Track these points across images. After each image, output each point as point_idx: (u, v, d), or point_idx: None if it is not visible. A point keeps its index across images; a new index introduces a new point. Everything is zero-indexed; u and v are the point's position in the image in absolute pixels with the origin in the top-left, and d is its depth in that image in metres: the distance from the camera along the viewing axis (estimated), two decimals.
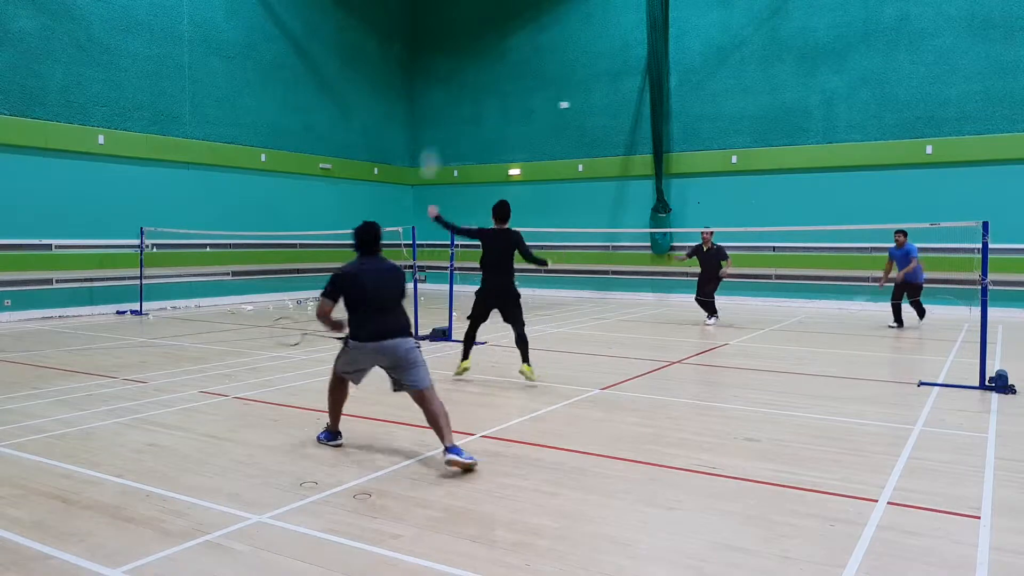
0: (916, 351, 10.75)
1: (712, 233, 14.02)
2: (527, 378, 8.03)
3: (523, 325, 8.13)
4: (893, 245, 13.47)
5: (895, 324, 13.41)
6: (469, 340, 8.33)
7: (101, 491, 4.67)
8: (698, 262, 14.18)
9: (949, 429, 6.28)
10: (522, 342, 8.09)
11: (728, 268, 13.96)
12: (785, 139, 17.93)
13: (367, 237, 5.65)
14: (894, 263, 13.49)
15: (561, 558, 3.70)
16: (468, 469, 4.98)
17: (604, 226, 19.84)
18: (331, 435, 5.72)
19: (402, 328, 5.45)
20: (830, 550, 3.80)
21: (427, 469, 5.12)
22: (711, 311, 14.02)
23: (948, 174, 16.15)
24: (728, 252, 14.16)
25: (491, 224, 8.23)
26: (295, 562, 3.66)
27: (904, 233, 13.17)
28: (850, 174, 17.14)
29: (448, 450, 5.03)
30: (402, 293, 5.59)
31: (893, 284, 13.39)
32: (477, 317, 8.24)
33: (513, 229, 8.17)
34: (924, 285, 13.39)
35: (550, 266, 8.61)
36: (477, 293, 8.20)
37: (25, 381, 8.21)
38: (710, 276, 13.93)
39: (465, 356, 8.29)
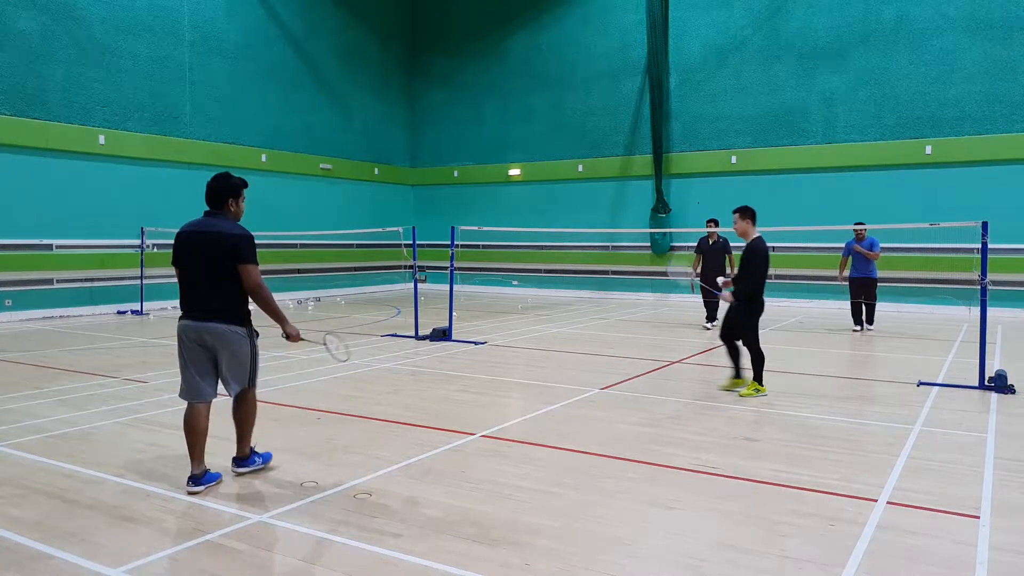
0: (916, 351, 10.75)
1: (717, 223, 13.05)
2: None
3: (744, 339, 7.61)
4: (852, 240, 12.77)
5: (858, 328, 12.86)
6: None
7: (101, 491, 4.68)
8: (703, 258, 13.23)
9: (948, 429, 6.28)
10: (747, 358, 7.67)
11: (732, 270, 12.84)
12: (785, 139, 17.94)
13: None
14: (849, 259, 12.88)
15: (561, 558, 3.71)
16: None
17: (604, 226, 19.85)
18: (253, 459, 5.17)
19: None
20: (830, 550, 3.80)
21: (427, 469, 5.13)
22: (713, 315, 13.28)
23: (948, 174, 16.16)
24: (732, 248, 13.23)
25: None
26: (295, 562, 3.66)
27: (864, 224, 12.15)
28: (850, 174, 17.14)
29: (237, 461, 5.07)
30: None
31: (848, 283, 12.83)
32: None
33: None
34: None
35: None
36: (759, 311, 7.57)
37: (26, 381, 8.21)
38: (716, 271, 12.66)
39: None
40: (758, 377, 7.57)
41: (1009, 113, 15.64)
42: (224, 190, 4.87)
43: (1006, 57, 15.61)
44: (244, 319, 4.83)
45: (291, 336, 4.93)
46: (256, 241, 4.89)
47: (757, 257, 7.36)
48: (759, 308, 7.50)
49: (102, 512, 4.32)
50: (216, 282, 4.71)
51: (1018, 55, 15.52)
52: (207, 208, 4.93)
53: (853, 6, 17.03)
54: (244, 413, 5.02)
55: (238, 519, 4.19)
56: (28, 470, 5.09)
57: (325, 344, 5.58)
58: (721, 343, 7.89)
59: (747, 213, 7.59)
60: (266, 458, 5.19)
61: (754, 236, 7.51)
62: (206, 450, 4.81)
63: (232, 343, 4.76)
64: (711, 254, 13.18)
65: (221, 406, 6.99)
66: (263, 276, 4.87)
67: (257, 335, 4.94)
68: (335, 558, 3.71)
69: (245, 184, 5.00)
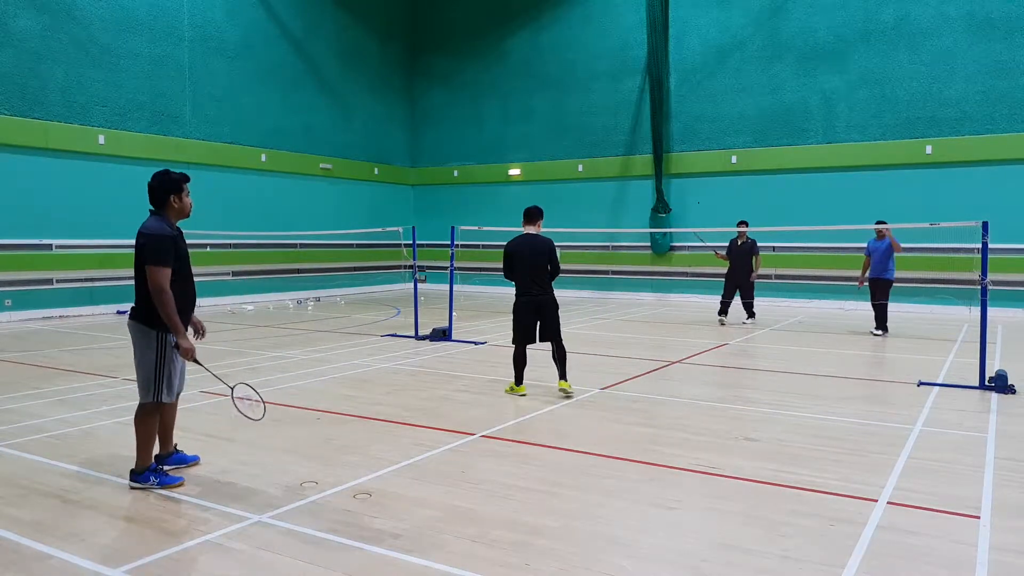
0: (916, 351, 10.74)
1: (747, 224, 13.71)
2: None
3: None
4: (873, 239, 12.48)
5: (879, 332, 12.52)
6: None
7: (101, 491, 4.68)
8: (731, 258, 13.90)
9: (949, 429, 6.28)
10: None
11: (758, 268, 13.82)
12: (785, 139, 17.93)
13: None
14: (871, 259, 12.56)
15: (561, 558, 3.71)
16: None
17: (604, 226, 19.84)
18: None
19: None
20: (830, 550, 3.80)
21: (427, 469, 5.12)
22: (750, 311, 13.93)
23: (948, 174, 16.16)
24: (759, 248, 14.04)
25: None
26: (295, 562, 3.66)
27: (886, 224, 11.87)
28: (850, 174, 17.14)
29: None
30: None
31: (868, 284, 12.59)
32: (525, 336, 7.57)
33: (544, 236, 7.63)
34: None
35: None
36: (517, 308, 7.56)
37: (26, 381, 8.21)
38: (743, 272, 13.68)
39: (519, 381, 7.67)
40: (518, 379, 7.66)
41: (1009, 113, 15.64)
42: (161, 187, 4.73)
43: (1006, 57, 15.61)
44: (156, 321, 4.68)
45: (183, 351, 4.66)
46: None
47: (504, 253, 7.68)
48: (515, 309, 7.60)
49: (102, 512, 4.32)
50: (137, 281, 4.75)
51: (1018, 55, 15.51)
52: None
53: (853, 6, 17.02)
54: (139, 421, 4.76)
55: (238, 519, 4.19)
56: (28, 470, 5.09)
57: (232, 395, 5.06)
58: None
59: (524, 215, 7.76)
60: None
61: (525, 234, 7.69)
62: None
63: (139, 342, 4.78)
64: (739, 254, 13.84)
65: (216, 405, 7.00)
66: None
67: (174, 344, 4.69)
68: (335, 558, 3.70)
69: (186, 179, 4.83)
